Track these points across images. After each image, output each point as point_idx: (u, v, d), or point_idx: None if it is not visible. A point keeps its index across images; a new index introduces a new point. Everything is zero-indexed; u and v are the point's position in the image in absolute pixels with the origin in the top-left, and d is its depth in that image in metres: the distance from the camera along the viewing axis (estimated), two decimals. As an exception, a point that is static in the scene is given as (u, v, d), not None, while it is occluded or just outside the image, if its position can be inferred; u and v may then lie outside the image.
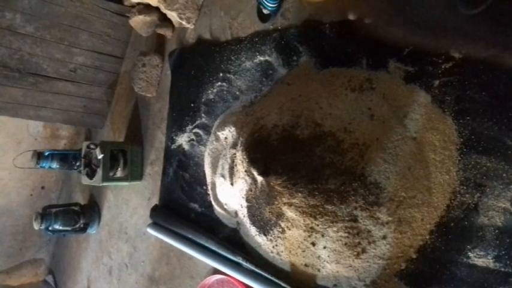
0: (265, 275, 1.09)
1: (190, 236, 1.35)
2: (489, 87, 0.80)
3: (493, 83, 0.80)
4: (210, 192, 1.33)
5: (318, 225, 0.92)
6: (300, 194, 0.92)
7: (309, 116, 1.00)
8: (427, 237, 0.86)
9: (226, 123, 1.25)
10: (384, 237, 0.88)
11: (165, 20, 1.71)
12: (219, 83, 1.39)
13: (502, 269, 0.76)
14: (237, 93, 1.33)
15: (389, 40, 0.96)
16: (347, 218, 0.89)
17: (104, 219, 2.03)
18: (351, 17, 1.03)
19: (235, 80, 1.34)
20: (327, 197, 0.90)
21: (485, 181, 0.79)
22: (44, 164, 1.85)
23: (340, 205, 0.89)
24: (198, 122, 1.46)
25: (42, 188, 2.49)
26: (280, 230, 1.01)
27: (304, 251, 0.99)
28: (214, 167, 1.30)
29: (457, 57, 0.84)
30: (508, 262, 0.75)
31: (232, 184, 1.15)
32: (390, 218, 0.87)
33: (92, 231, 2.05)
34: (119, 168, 1.72)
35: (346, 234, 0.90)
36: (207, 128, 1.41)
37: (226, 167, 1.18)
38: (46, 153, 1.86)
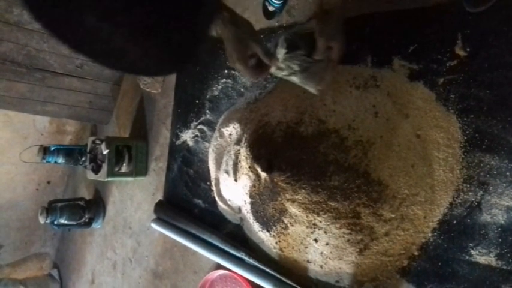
0: (268, 270, 1.09)
1: (193, 232, 1.36)
2: (493, 85, 0.80)
3: (497, 81, 0.80)
4: (213, 188, 1.34)
5: (320, 221, 0.93)
6: (303, 191, 0.93)
7: (313, 113, 1.01)
8: (430, 234, 0.86)
9: (231, 120, 1.26)
10: (387, 234, 0.88)
11: (170, 16, 1.71)
12: (224, 80, 1.40)
13: (504, 267, 0.76)
14: (242, 89, 1.34)
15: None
16: (350, 215, 0.89)
17: (109, 214, 2.04)
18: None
19: (240, 77, 1.34)
20: (330, 194, 0.90)
21: (488, 179, 0.79)
22: (50, 159, 1.87)
23: (343, 202, 0.89)
24: (202, 118, 1.46)
25: (48, 182, 2.51)
26: (283, 226, 1.01)
27: (306, 247, 0.99)
28: (218, 163, 1.31)
29: (461, 55, 0.84)
30: (510, 260, 0.75)
31: (236, 180, 1.15)
32: (393, 215, 0.87)
33: (96, 226, 2.06)
34: (124, 164, 1.73)
35: (348, 231, 0.90)
36: (211, 125, 1.42)
37: (230, 163, 1.19)
38: (52, 148, 1.88)
